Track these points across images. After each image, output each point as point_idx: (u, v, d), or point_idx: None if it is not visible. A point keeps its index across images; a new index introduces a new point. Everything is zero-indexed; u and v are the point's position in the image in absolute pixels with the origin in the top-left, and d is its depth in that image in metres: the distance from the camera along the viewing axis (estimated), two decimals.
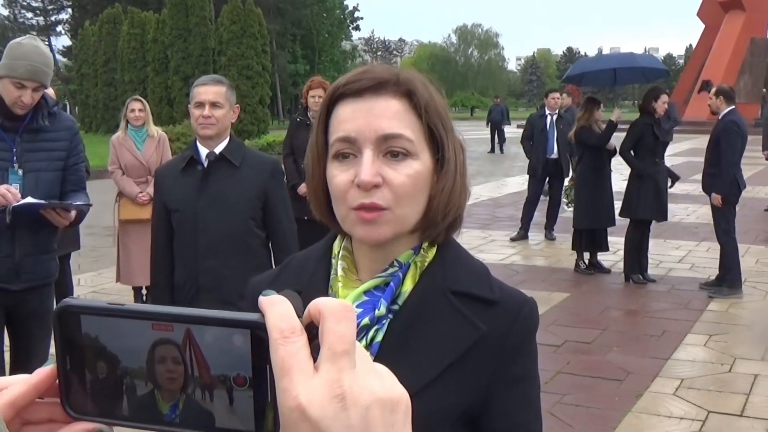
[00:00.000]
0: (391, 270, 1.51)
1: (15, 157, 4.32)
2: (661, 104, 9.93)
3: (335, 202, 1.49)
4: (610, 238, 10.92)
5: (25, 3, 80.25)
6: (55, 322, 0.71)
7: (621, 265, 10.48)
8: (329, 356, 0.65)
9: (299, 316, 0.67)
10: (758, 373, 6.83)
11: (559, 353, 7.38)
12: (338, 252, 1.59)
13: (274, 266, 4.10)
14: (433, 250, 1.55)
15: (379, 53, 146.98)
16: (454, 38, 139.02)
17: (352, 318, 0.67)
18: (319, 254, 1.63)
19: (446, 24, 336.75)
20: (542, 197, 13.46)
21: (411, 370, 1.42)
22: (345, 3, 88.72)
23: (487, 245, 12.86)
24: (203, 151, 4.27)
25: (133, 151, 8.52)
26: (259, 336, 0.66)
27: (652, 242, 10.86)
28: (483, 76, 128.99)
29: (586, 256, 10.92)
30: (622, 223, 10.51)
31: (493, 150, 35.06)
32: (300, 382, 0.63)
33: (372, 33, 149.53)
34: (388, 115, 1.44)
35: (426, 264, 1.53)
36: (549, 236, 13.25)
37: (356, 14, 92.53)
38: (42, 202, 4.35)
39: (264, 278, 1.70)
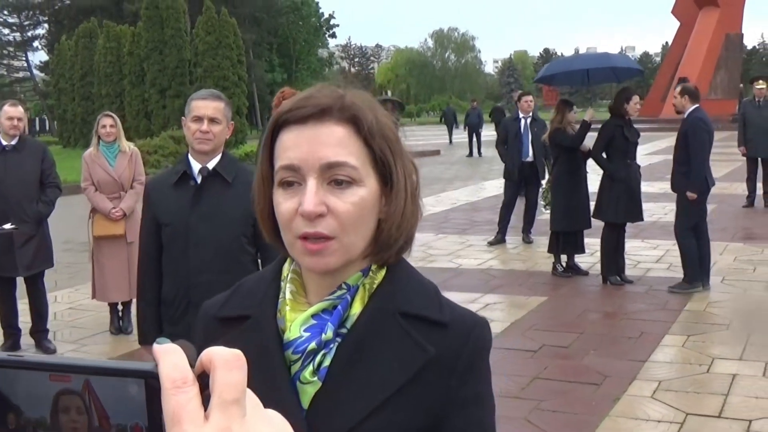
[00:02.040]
0: (339, 293, 1.49)
1: None
2: (633, 105, 9.96)
3: (282, 230, 1.48)
4: (586, 240, 10.90)
5: (1, 20, 79.89)
6: None
7: (599, 266, 10.49)
8: (219, 405, 0.66)
9: (192, 365, 0.68)
10: (736, 372, 6.84)
11: (535, 358, 7.38)
12: (287, 275, 1.57)
13: None
14: (383, 272, 1.53)
15: (357, 59, 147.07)
16: (430, 42, 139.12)
17: (242, 366, 0.68)
18: (270, 277, 1.61)
19: (422, 29, 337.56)
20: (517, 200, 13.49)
21: (360, 393, 1.45)
22: (321, 11, 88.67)
23: (465, 250, 12.86)
24: (196, 166, 4.24)
25: (105, 167, 8.50)
26: (153, 385, 0.67)
27: (629, 242, 10.90)
28: (460, 80, 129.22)
29: (564, 258, 10.92)
30: (598, 224, 10.50)
31: (471, 154, 35.08)
32: (189, 431, 0.64)
33: (349, 40, 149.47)
34: (332, 142, 1.43)
35: (375, 286, 1.52)
36: (526, 239, 13.27)
37: (332, 22, 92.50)
38: None
39: (216, 302, 1.68)
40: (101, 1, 64.20)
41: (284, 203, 1.45)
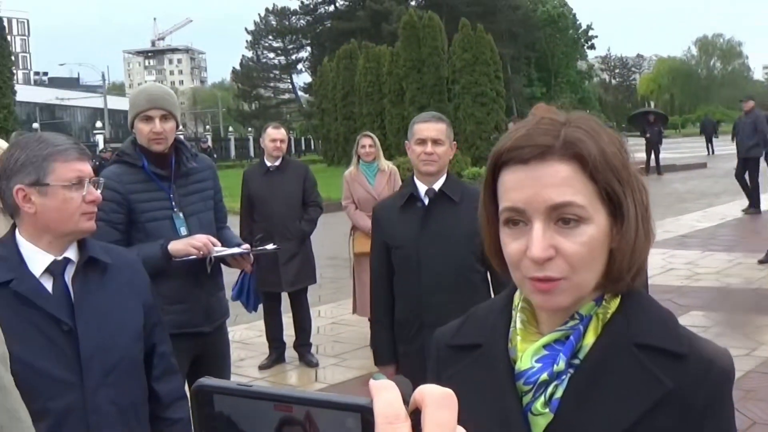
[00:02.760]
0: (571, 323, 1.46)
1: (173, 203, 4.44)
2: None
3: (510, 268, 1.45)
4: None
5: (267, 44, 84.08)
6: (193, 400, 0.76)
7: None
8: None
9: (406, 402, 0.71)
10: None
11: None
12: (518, 303, 1.53)
13: None
14: (617, 301, 1.47)
15: (617, 70, 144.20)
16: (694, 50, 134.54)
17: (452, 406, 0.70)
18: (501, 305, 1.59)
19: (685, 36, 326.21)
20: None
21: (593, 426, 1.41)
22: (578, 22, 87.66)
23: (733, 269, 12.21)
24: (422, 188, 4.31)
25: (365, 186, 8.68)
26: (369, 420, 0.70)
27: None
28: (727, 88, 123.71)
29: None
30: None
31: None
32: None
33: (608, 51, 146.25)
34: (556, 182, 1.37)
35: (608, 315, 1.46)
36: None
37: (590, 33, 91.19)
38: (238, 249, 4.56)
39: (448, 329, 1.70)
40: (360, 23, 66.32)
41: (511, 244, 1.43)
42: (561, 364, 1.42)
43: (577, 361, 1.44)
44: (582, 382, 1.42)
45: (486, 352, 1.54)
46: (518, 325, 1.51)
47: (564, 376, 1.43)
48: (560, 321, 1.46)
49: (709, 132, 44.84)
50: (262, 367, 8.37)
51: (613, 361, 1.42)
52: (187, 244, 4.27)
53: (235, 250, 4.53)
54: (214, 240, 4.37)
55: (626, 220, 1.41)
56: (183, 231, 4.40)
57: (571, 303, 1.43)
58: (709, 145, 43.95)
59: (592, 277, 1.42)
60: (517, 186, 1.40)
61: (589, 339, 1.45)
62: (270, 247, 5.13)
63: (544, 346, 1.45)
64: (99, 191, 2.82)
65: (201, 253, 4.29)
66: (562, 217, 1.38)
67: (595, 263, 1.41)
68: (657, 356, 1.41)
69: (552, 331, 1.46)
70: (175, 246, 4.25)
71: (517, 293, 1.55)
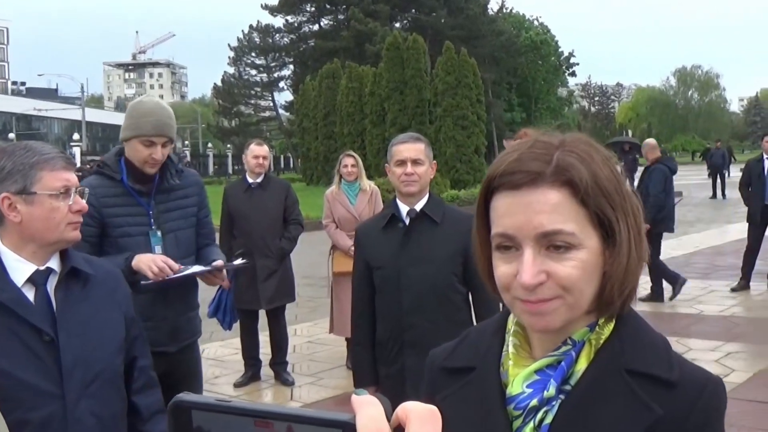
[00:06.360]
0: (564, 348, 1.45)
1: (152, 220, 4.36)
2: None
3: (500, 291, 1.45)
4: None
5: (249, 61, 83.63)
6: (170, 416, 0.77)
7: None
8: None
9: (388, 418, 0.71)
10: None
11: None
12: (511, 327, 1.53)
13: (475, 322, 4.13)
14: (610, 326, 1.46)
15: (597, 98, 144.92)
16: (673, 81, 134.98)
17: (436, 422, 0.71)
18: (494, 329, 1.59)
19: (665, 67, 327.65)
20: None
21: None
22: (560, 50, 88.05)
23: (707, 296, 12.33)
24: (404, 209, 4.31)
25: (346, 205, 8.68)
26: None
27: None
28: (704, 119, 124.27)
29: None
30: None
31: (714, 196, 33.78)
32: None
33: (589, 78, 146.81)
34: (546, 209, 1.37)
35: (601, 341, 1.45)
36: None
37: (572, 60, 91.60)
38: (200, 268, 4.42)
39: (442, 351, 1.68)
40: (344, 42, 66.29)
41: (502, 267, 1.42)
42: (551, 390, 1.41)
43: (568, 387, 1.43)
44: (572, 408, 1.41)
45: (478, 375, 1.54)
46: (510, 349, 1.50)
47: (554, 402, 1.42)
48: (552, 346, 1.45)
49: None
50: (237, 385, 8.32)
51: (603, 387, 1.41)
52: (148, 265, 4.11)
53: (196, 268, 4.39)
54: (172, 264, 4.18)
55: (618, 244, 1.41)
56: (158, 249, 4.30)
57: (563, 324, 1.41)
58: None
59: (584, 299, 1.40)
60: (508, 212, 1.39)
61: (582, 365, 1.43)
62: (237, 262, 5.01)
63: (536, 371, 1.44)
64: (84, 201, 2.81)
65: (157, 277, 4.13)
66: (553, 243, 1.37)
67: (588, 285, 1.40)
68: (647, 383, 1.40)
69: (544, 356, 1.45)
70: (138, 263, 4.12)
71: (510, 317, 1.55)
